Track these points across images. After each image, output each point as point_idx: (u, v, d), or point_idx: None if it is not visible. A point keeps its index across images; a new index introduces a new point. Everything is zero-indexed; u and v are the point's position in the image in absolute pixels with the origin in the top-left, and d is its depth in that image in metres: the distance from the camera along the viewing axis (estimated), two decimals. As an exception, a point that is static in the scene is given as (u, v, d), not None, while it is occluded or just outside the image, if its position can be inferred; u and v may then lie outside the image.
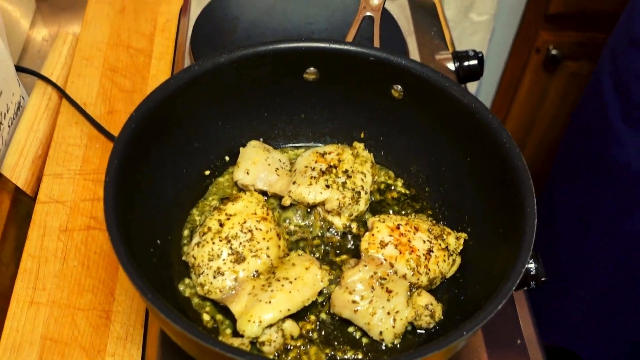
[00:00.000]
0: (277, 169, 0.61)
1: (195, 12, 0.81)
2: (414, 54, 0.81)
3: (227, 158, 0.64)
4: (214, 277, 0.53)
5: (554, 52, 1.39)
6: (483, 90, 1.47)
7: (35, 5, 0.93)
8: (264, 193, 0.61)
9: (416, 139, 0.63)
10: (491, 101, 1.53)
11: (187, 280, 0.55)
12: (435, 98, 0.59)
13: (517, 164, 0.53)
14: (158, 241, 0.56)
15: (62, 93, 0.79)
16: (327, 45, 0.58)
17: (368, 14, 0.63)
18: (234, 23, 0.79)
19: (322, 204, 0.59)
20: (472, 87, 1.40)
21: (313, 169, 0.60)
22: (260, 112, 0.63)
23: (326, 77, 0.62)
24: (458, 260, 0.57)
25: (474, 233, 0.58)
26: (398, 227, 0.56)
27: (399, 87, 0.61)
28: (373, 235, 0.55)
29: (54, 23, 0.92)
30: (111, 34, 0.87)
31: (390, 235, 0.55)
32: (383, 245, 0.55)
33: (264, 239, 0.55)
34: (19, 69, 0.79)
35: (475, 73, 0.81)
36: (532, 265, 0.60)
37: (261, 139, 0.64)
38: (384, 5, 0.63)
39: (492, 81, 1.48)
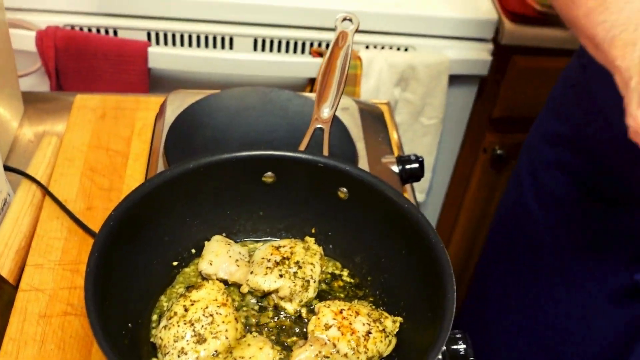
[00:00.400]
0: (237, 260, 0.70)
1: (169, 118, 0.91)
2: (363, 157, 0.91)
3: (193, 250, 0.72)
4: (178, 357, 0.60)
5: (499, 152, 1.52)
6: (436, 185, 1.58)
7: (23, 109, 1.03)
8: (225, 281, 0.69)
9: (360, 234, 0.72)
10: (444, 196, 1.64)
11: (154, 360, 0.62)
12: (375, 199, 0.69)
13: (441, 257, 0.62)
14: (129, 324, 0.63)
15: (46, 190, 0.87)
16: (282, 153, 0.68)
17: (319, 125, 0.74)
18: (204, 129, 0.89)
19: (276, 291, 0.68)
20: (425, 183, 1.51)
21: (269, 261, 0.69)
22: (224, 210, 0.73)
23: (282, 180, 0.71)
24: (394, 341, 0.65)
25: (408, 317, 0.67)
26: (341, 312, 0.64)
27: (344, 189, 0.70)
28: (319, 318, 0.64)
29: (40, 125, 1.01)
30: (92, 137, 0.97)
31: (334, 319, 0.64)
32: (327, 327, 0.63)
33: (223, 322, 0.62)
34: (7, 168, 0.88)
35: (417, 175, 0.92)
36: (461, 346, 0.68)
37: (224, 234, 0.73)
38: (332, 118, 0.74)
39: (444, 178, 1.60)
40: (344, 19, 0.81)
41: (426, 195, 1.57)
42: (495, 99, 1.47)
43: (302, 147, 0.72)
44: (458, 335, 0.67)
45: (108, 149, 0.95)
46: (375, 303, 0.70)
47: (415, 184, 1.48)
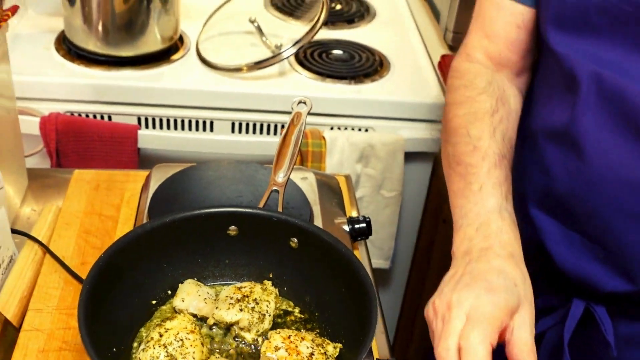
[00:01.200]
0: (205, 298, 0.84)
1: (153, 188, 1.07)
2: (318, 218, 1.07)
3: (169, 292, 0.86)
4: (154, 373, 0.74)
5: (456, 221, 1.67)
6: (401, 254, 1.73)
7: (27, 183, 1.19)
8: (194, 315, 0.83)
9: (309, 277, 0.87)
10: (410, 263, 1.79)
11: (134, 379, 0.76)
12: (319, 246, 0.84)
13: (369, 289, 0.77)
14: (114, 349, 0.77)
15: (46, 249, 1.02)
16: (242, 209, 0.85)
17: (275, 188, 0.90)
18: (182, 196, 1.05)
19: (237, 322, 0.82)
20: (389, 251, 1.66)
21: (231, 298, 0.83)
22: (195, 258, 0.87)
23: (244, 233, 0.87)
24: (334, 362, 0.79)
25: (347, 343, 0.81)
26: (289, 337, 0.78)
27: (295, 239, 0.86)
28: (270, 342, 0.77)
29: (42, 197, 1.17)
30: (87, 205, 1.12)
31: (283, 342, 0.77)
32: (277, 349, 0.77)
33: (191, 345, 0.76)
34: (13, 231, 1.03)
35: (365, 233, 1.07)
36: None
37: (195, 278, 0.88)
38: (286, 183, 0.90)
39: (409, 246, 1.75)
40: (299, 102, 0.98)
41: (391, 263, 1.71)
42: (450, 174, 1.64)
43: (261, 205, 0.87)
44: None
45: (101, 215, 1.11)
46: (321, 334, 0.84)
47: (379, 253, 1.64)
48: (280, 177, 0.90)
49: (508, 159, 0.83)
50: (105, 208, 1.12)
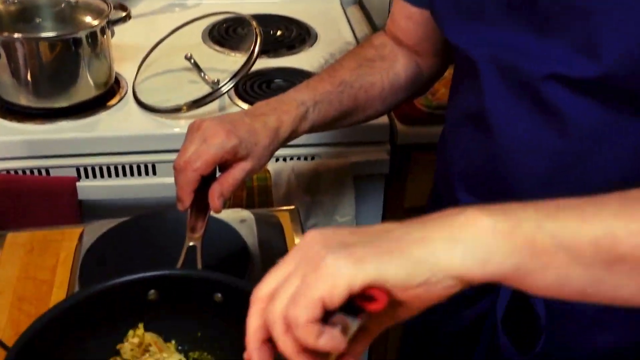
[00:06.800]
0: (131, 365, 0.81)
1: (85, 247, 1.05)
2: (257, 263, 1.05)
3: (94, 363, 0.84)
4: None
5: (416, 238, 1.66)
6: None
7: (-39, 251, 1.15)
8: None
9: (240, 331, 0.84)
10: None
11: None
12: (244, 297, 0.81)
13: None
14: None
15: (-23, 323, 0.99)
16: (158, 273, 0.82)
17: (191, 243, 0.87)
18: (115, 255, 1.03)
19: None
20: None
21: None
22: (120, 328, 0.84)
23: (166, 296, 0.83)
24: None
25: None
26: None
27: (219, 294, 0.83)
28: None
29: (-24, 265, 1.14)
30: (21, 270, 1.09)
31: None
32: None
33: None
34: (-58, 307, 1.00)
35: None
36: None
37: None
38: (203, 236, 0.88)
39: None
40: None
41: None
42: (404, 192, 1.62)
43: (179, 264, 0.85)
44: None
45: (35, 279, 1.08)
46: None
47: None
48: (197, 230, 0.88)
49: (352, 87, 1.02)
50: (39, 272, 1.09)
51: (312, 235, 0.55)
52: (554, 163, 0.83)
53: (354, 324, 0.52)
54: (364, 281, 0.49)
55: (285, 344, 0.52)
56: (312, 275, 0.50)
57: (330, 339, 0.50)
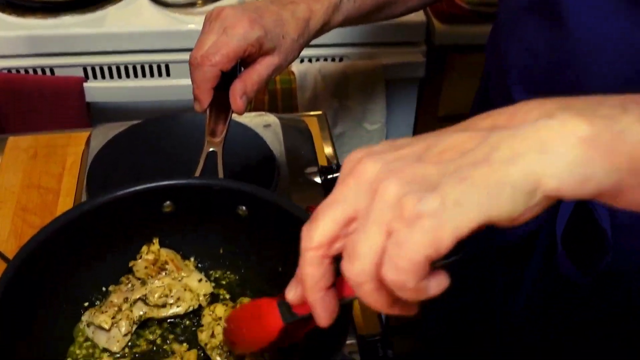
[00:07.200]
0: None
1: (93, 153, 0.94)
2: (284, 171, 0.94)
3: (104, 289, 0.74)
4: None
5: (449, 148, 1.54)
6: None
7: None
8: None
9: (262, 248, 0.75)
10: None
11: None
12: (270, 211, 0.71)
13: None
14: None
15: (-24, 234, 0.90)
16: (174, 182, 0.70)
17: (211, 149, 0.76)
18: (125, 161, 0.92)
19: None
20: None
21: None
22: (131, 243, 0.75)
23: (182, 208, 0.73)
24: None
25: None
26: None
27: (243, 207, 0.73)
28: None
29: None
30: (24, 177, 0.99)
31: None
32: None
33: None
34: (-61, 216, 0.91)
35: (338, 184, 0.94)
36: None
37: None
38: (224, 141, 0.76)
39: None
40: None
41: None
42: (438, 98, 1.49)
43: (197, 173, 0.74)
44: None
45: (39, 187, 0.98)
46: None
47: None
48: (217, 135, 0.77)
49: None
50: (44, 179, 0.99)
51: (371, 162, 0.43)
52: None
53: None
54: (471, 229, 0.39)
55: (378, 301, 0.43)
56: (406, 232, 0.39)
57: (438, 286, 0.42)
